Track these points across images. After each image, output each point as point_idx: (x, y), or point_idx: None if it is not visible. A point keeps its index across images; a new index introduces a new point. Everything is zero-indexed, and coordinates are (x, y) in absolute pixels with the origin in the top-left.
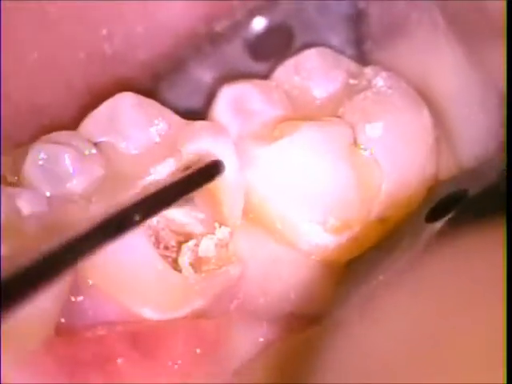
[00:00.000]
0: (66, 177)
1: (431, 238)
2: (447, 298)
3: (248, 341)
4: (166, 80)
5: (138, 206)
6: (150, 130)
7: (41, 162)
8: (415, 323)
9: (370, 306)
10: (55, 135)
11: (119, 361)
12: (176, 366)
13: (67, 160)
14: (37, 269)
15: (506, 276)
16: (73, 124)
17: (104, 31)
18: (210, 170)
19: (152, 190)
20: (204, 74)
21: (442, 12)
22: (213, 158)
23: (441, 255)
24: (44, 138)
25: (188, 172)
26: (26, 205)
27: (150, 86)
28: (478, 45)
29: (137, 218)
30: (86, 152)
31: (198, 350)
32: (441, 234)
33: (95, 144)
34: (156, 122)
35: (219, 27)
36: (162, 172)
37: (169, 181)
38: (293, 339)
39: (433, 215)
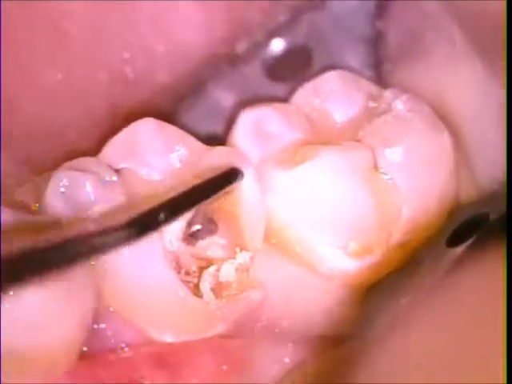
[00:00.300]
0: (88, 204)
1: (452, 263)
2: (476, 318)
3: (274, 361)
4: (186, 102)
5: (162, 206)
6: (170, 156)
7: (62, 189)
8: (448, 341)
9: (402, 325)
10: (77, 162)
11: (146, 382)
12: None
13: (88, 187)
14: (55, 254)
15: None
16: (95, 148)
17: (126, 54)
18: (229, 177)
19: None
20: (223, 96)
21: (460, 29)
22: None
23: (466, 276)
24: (66, 164)
25: (208, 177)
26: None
27: (171, 109)
28: (497, 61)
29: (161, 217)
30: (107, 179)
31: (225, 367)
32: (462, 258)
33: (116, 170)
34: (177, 147)
35: (238, 49)
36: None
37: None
38: (319, 360)
39: (454, 239)
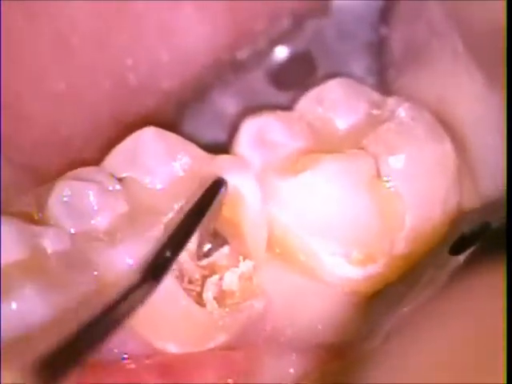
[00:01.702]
0: (90, 213)
1: (455, 271)
2: (478, 330)
3: (279, 371)
4: (190, 110)
5: (166, 245)
6: (173, 164)
7: (65, 199)
8: (449, 352)
9: (402, 336)
10: (80, 171)
11: None
12: None
13: (91, 196)
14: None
15: None
16: (98, 156)
17: (129, 61)
18: (214, 189)
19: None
20: (226, 103)
21: (462, 40)
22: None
23: (468, 286)
24: (69, 174)
25: (194, 199)
26: (49, 243)
27: (174, 116)
28: (498, 72)
29: (168, 255)
30: (111, 188)
31: (230, 381)
32: (465, 266)
33: (119, 179)
34: (179, 156)
35: (242, 56)
36: (187, 207)
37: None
38: (324, 370)
39: (456, 247)
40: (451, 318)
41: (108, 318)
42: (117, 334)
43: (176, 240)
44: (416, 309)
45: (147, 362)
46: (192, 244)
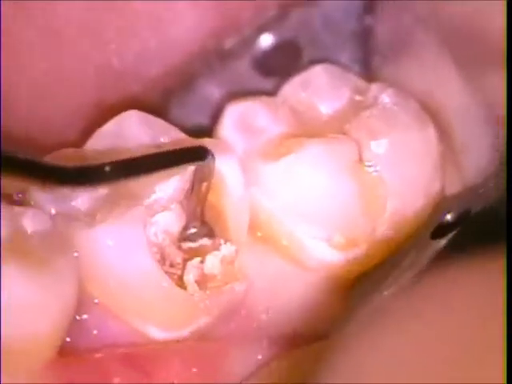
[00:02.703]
0: (71, 194)
1: (435, 255)
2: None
3: (247, 359)
4: (175, 96)
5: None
6: (155, 147)
7: None
8: (420, 343)
9: (373, 325)
10: (61, 153)
11: (115, 380)
12: None
13: None
14: None
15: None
16: (80, 139)
17: (113, 46)
18: (195, 153)
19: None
20: (212, 90)
21: (443, 34)
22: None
23: (444, 274)
24: (50, 156)
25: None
26: (30, 223)
27: (159, 102)
28: (478, 72)
29: (107, 169)
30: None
31: (195, 370)
32: (445, 251)
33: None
34: (162, 139)
35: (228, 44)
36: (168, 190)
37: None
38: (291, 357)
39: (438, 232)
40: (427, 310)
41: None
42: (96, 314)
43: (123, 165)
44: (393, 295)
45: (118, 351)
46: (175, 227)
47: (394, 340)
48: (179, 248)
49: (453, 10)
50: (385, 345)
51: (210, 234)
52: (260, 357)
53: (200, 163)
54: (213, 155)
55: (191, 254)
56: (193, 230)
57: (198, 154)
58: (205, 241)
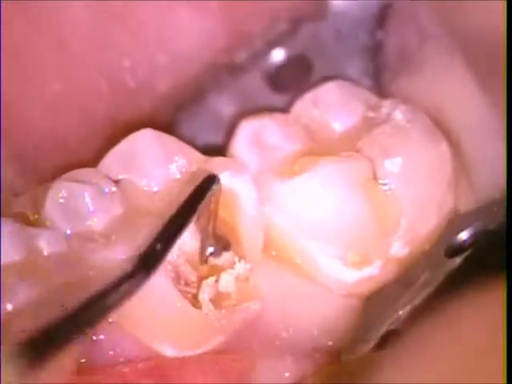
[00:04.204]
0: (86, 215)
1: (451, 274)
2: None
3: (273, 375)
4: (186, 112)
5: (157, 239)
6: (170, 167)
7: (61, 201)
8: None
9: (407, 346)
10: (76, 173)
11: None
12: None
13: (87, 198)
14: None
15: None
16: (94, 158)
17: (126, 62)
18: (206, 184)
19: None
20: (223, 106)
21: (457, 46)
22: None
23: (467, 299)
24: (65, 175)
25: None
26: (45, 245)
27: (171, 118)
28: (493, 84)
29: (159, 248)
30: (106, 190)
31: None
32: (462, 272)
33: (115, 181)
34: (176, 158)
35: (238, 58)
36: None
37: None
38: (322, 374)
39: (452, 250)
40: (452, 333)
41: (97, 305)
42: (111, 334)
43: (167, 234)
44: (416, 317)
45: (140, 365)
46: (189, 247)
47: (422, 366)
48: (194, 267)
49: (464, 22)
50: (413, 368)
51: (227, 247)
52: (287, 374)
53: (216, 187)
54: (218, 180)
55: (206, 273)
56: (211, 249)
57: (211, 181)
58: (224, 257)
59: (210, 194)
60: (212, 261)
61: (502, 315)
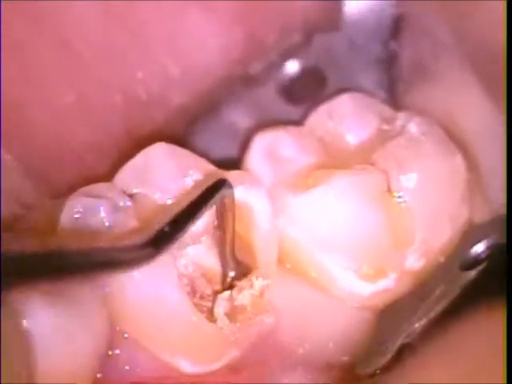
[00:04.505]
0: (101, 230)
1: (466, 288)
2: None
3: None
4: (201, 124)
5: (167, 223)
6: (184, 180)
7: (77, 215)
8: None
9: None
10: (92, 187)
11: None
12: None
13: (102, 213)
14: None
15: None
16: (109, 172)
17: (139, 75)
18: (217, 186)
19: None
20: (237, 117)
21: (468, 58)
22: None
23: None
24: (81, 190)
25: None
26: None
27: (185, 131)
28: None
29: (166, 229)
30: (121, 204)
31: None
32: (475, 283)
33: (130, 195)
34: (191, 172)
35: (253, 70)
36: (198, 223)
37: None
38: None
39: (467, 263)
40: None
41: (98, 256)
42: (127, 349)
43: (176, 221)
44: (431, 330)
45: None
46: (205, 261)
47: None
48: (209, 280)
49: (474, 33)
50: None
51: (246, 272)
52: None
53: (224, 192)
54: (229, 184)
55: (221, 286)
56: (232, 274)
57: (220, 185)
58: (243, 283)
59: (220, 195)
60: (233, 283)
61: None
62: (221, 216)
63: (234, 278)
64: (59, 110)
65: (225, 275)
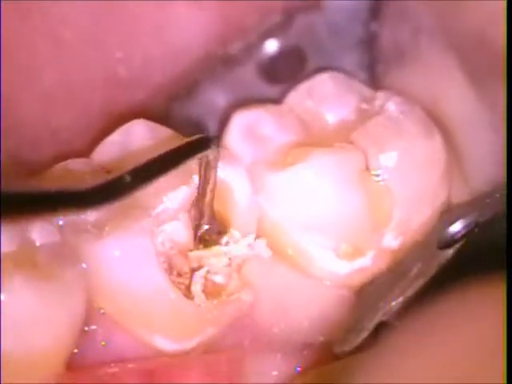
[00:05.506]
0: None
1: (444, 266)
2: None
3: (262, 372)
4: (180, 103)
5: (129, 171)
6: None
7: None
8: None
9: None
10: (69, 162)
11: None
12: None
13: None
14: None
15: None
16: (87, 149)
17: (119, 54)
18: (198, 144)
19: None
20: (217, 96)
21: (449, 42)
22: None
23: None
24: (59, 165)
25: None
26: (38, 236)
27: (164, 110)
28: (487, 78)
29: (127, 179)
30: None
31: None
32: (454, 264)
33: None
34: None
35: (233, 49)
36: (175, 199)
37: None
38: (309, 372)
39: (445, 242)
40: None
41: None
42: (103, 325)
43: (140, 171)
44: (408, 309)
45: (130, 366)
46: (182, 236)
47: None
48: (186, 257)
49: (461, 20)
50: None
51: (222, 231)
52: (275, 372)
53: (206, 152)
54: (217, 144)
55: (198, 262)
56: (206, 227)
57: (202, 144)
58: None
59: (202, 155)
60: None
61: (502, 309)
62: (203, 193)
63: (207, 232)
64: (39, 90)
65: (198, 226)
